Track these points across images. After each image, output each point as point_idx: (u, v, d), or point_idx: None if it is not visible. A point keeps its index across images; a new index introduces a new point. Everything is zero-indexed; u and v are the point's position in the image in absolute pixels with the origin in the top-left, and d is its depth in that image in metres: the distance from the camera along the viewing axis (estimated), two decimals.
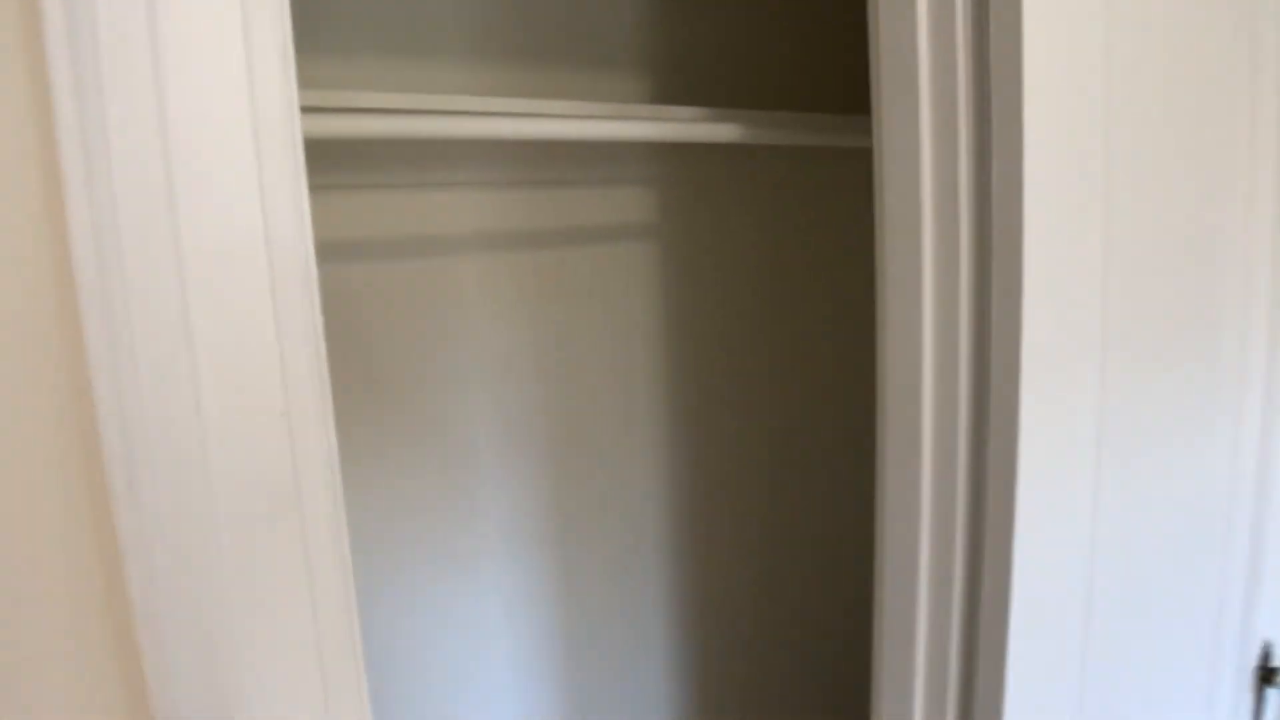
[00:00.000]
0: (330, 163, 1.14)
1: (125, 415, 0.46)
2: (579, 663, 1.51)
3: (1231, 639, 1.00)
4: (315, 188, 1.12)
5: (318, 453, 0.50)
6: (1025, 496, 0.73)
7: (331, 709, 0.55)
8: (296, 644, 0.53)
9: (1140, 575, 0.88)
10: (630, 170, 1.43)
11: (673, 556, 1.59)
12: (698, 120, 1.22)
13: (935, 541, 0.82)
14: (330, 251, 1.18)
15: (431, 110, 1.01)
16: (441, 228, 1.28)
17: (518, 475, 1.39)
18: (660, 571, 1.58)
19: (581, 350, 1.43)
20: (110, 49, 0.37)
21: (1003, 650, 0.77)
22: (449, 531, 1.34)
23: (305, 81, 1.11)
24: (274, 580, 0.52)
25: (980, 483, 0.77)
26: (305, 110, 0.91)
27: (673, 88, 1.44)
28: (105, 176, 0.39)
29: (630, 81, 1.40)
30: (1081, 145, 0.72)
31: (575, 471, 1.45)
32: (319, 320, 0.50)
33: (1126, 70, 0.74)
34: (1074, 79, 0.71)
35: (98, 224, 0.41)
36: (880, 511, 0.86)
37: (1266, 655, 1.04)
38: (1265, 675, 1.03)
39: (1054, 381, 0.75)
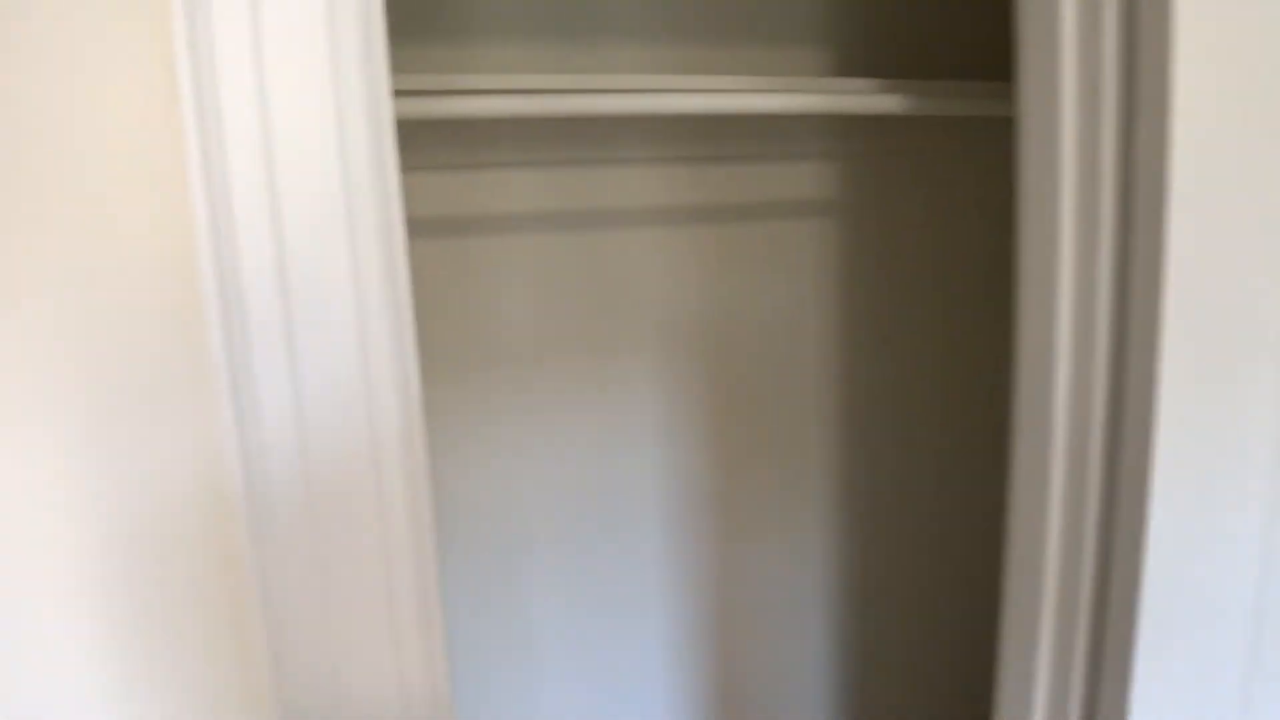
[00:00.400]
0: (532, 140, 1.24)
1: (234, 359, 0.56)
2: (734, 647, 1.54)
3: None
4: (509, 164, 1.22)
5: (395, 423, 0.58)
6: (1161, 508, 0.67)
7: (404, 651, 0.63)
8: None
9: None
10: (806, 145, 1.41)
11: (834, 545, 1.57)
12: (865, 92, 1.18)
13: (1064, 546, 0.76)
14: (515, 223, 1.29)
15: (607, 89, 1.08)
16: (615, 202, 1.34)
17: (677, 450, 1.43)
18: (820, 560, 1.56)
19: (749, 326, 1.44)
20: (222, 24, 0.46)
21: (1129, 668, 0.70)
22: (604, 506, 1.41)
23: (492, 65, 1.22)
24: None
25: (1114, 486, 0.71)
26: (485, 93, 1.01)
27: (849, 61, 1.40)
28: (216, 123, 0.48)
29: (805, 56, 1.38)
30: (1240, 108, 0.63)
31: (736, 449, 1.47)
32: (401, 264, 0.56)
33: None
34: (1227, 42, 0.61)
35: (210, 173, 0.51)
36: (1009, 512, 0.82)
37: None
38: None
39: (1212, 381, 0.67)
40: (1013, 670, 0.84)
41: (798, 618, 1.58)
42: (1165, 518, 0.67)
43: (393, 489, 0.62)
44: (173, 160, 0.49)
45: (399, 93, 0.96)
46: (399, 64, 1.17)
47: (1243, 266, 0.66)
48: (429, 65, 1.20)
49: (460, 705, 1.40)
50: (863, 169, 1.44)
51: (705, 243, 1.39)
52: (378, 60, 0.55)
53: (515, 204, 1.28)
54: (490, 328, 1.30)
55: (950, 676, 1.70)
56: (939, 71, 1.42)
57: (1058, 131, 0.69)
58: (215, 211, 0.49)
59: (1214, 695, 0.75)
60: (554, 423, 1.36)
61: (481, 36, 1.22)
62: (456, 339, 1.29)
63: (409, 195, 1.22)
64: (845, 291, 1.48)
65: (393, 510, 0.62)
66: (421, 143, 1.19)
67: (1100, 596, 0.74)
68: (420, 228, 1.24)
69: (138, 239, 0.51)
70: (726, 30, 1.33)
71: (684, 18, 1.30)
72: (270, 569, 0.58)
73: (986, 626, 1.69)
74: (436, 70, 1.20)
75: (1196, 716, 0.73)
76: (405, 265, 0.59)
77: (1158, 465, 0.66)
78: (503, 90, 1.00)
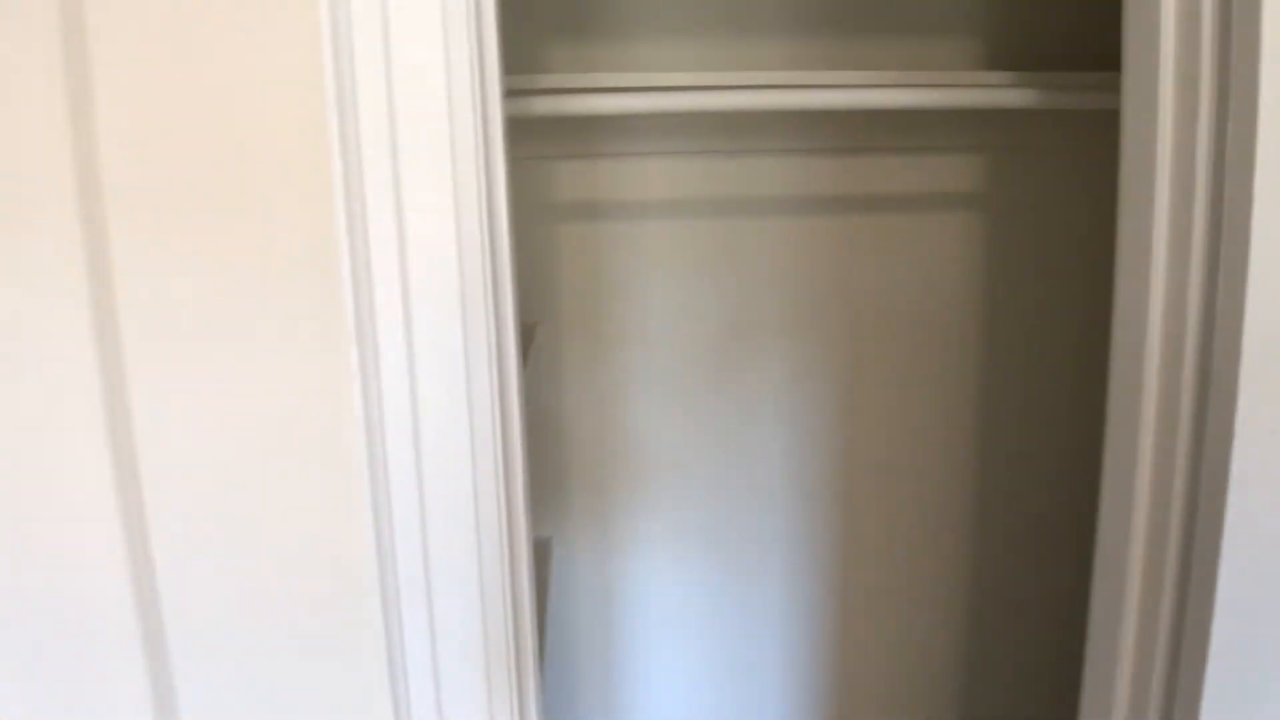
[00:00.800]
0: (673, 131, 1.34)
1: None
2: (851, 630, 1.57)
3: None
4: (651, 153, 1.31)
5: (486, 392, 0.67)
6: (1237, 503, 0.66)
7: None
8: None
9: None
10: (949, 138, 1.40)
11: (962, 537, 1.55)
12: (1003, 85, 1.18)
13: (1149, 545, 0.76)
14: (655, 208, 1.39)
15: (736, 86, 1.15)
16: (754, 190, 1.41)
17: (805, 434, 1.48)
18: (945, 553, 1.56)
19: (883, 315, 1.45)
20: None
21: (1203, 663, 0.70)
22: (729, 484, 1.48)
23: (646, 62, 1.31)
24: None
25: (1196, 477, 0.71)
26: (622, 90, 1.12)
27: (998, 53, 1.38)
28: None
29: (953, 49, 1.38)
30: None
31: (865, 437, 1.50)
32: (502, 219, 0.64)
33: None
34: None
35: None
36: (1100, 506, 0.82)
37: None
38: None
39: None
40: (1096, 670, 0.84)
41: (918, 608, 1.58)
42: (1241, 511, 0.66)
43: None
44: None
45: (547, 91, 1.09)
46: (558, 63, 1.31)
47: None
48: (586, 63, 1.32)
49: (576, 672, 1.53)
50: (1007, 162, 1.42)
51: (843, 233, 1.42)
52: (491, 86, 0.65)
53: (655, 191, 1.38)
54: (625, 306, 1.41)
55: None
56: (1089, 64, 1.37)
57: (1155, 125, 0.70)
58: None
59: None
60: (682, 399, 1.45)
61: (637, 35, 1.33)
62: (592, 315, 1.41)
63: (556, 181, 1.36)
64: (984, 286, 1.46)
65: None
66: (566, 133, 1.32)
67: (1181, 596, 0.73)
68: (565, 212, 1.37)
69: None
70: (871, 24, 1.36)
71: (828, 13, 1.34)
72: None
73: None
74: (591, 68, 1.31)
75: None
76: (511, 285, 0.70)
77: (1235, 457, 0.65)
78: (639, 88, 1.10)
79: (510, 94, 1.08)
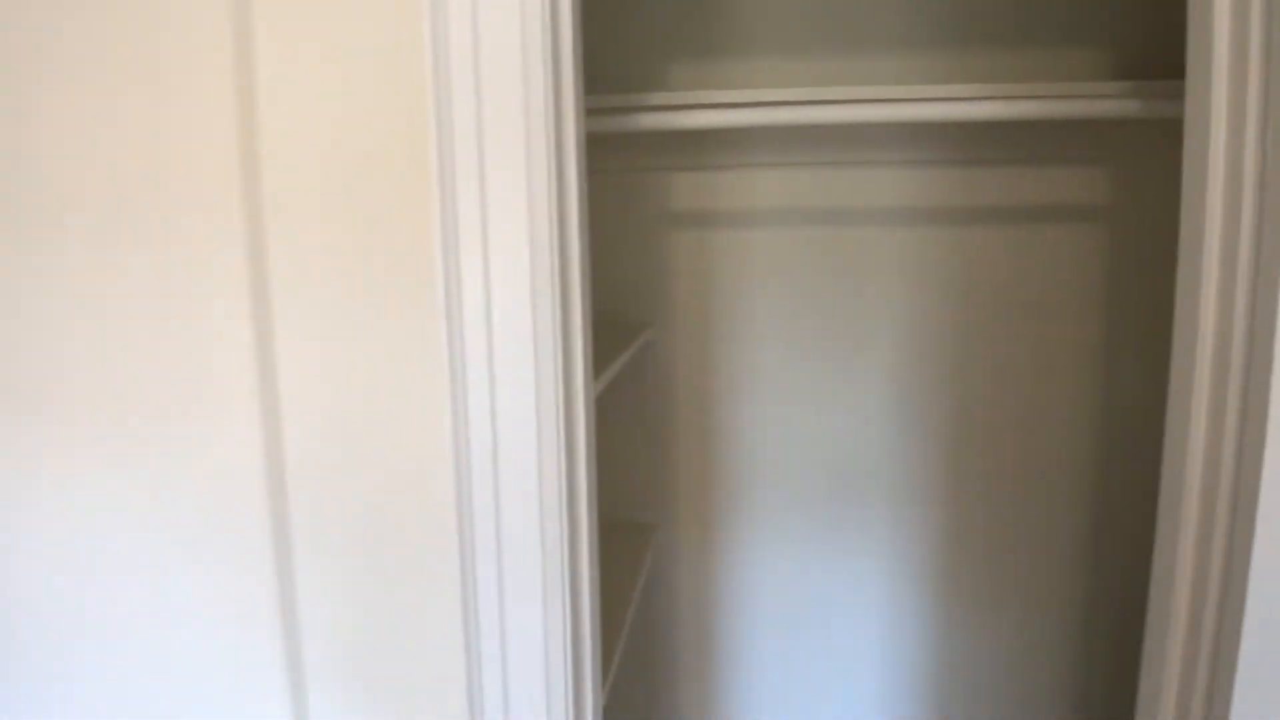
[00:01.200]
0: (783, 143, 1.42)
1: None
2: (957, 652, 1.56)
3: None
4: (761, 164, 1.39)
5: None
6: (1267, 513, 0.65)
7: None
8: None
9: None
10: (1068, 148, 1.38)
11: (1074, 543, 1.50)
12: (1117, 96, 1.16)
13: (1195, 552, 0.76)
14: (764, 217, 1.46)
15: (849, 100, 1.21)
16: (864, 201, 1.45)
17: (906, 444, 1.50)
18: (1062, 569, 1.51)
19: (992, 325, 1.45)
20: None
21: (1233, 667, 0.69)
22: (832, 482, 1.52)
23: (750, 80, 1.40)
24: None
25: (1238, 490, 0.70)
26: (728, 106, 1.21)
27: (1120, 62, 1.34)
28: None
29: (1075, 58, 1.35)
30: None
31: (969, 450, 1.49)
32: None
33: None
34: None
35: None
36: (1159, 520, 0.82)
37: None
38: None
39: None
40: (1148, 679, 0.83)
41: (1029, 611, 1.54)
42: (1270, 521, 0.65)
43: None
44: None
45: (656, 108, 1.20)
46: (679, 81, 1.42)
47: None
48: (706, 81, 1.42)
49: (675, 661, 1.62)
50: (1129, 174, 1.37)
51: (957, 244, 1.43)
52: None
53: (768, 200, 1.45)
54: (735, 309, 1.49)
55: None
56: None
57: (1209, 136, 0.70)
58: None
59: None
60: (789, 400, 1.51)
61: (755, 53, 1.42)
62: (704, 317, 1.50)
63: (674, 191, 1.47)
64: (1103, 299, 1.41)
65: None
66: (683, 147, 1.42)
67: (1225, 598, 0.73)
68: (682, 220, 1.47)
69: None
70: (991, 36, 1.36)
71: (945, 26, 1.36)
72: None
73: None
74: (710, 85, 1.41)
75: None
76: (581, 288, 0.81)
77: (1266, 465, 0.65)
78: (742, 104, 1.18)
79: (614, 111, 1.20)
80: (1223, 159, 0.69)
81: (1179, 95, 1.14)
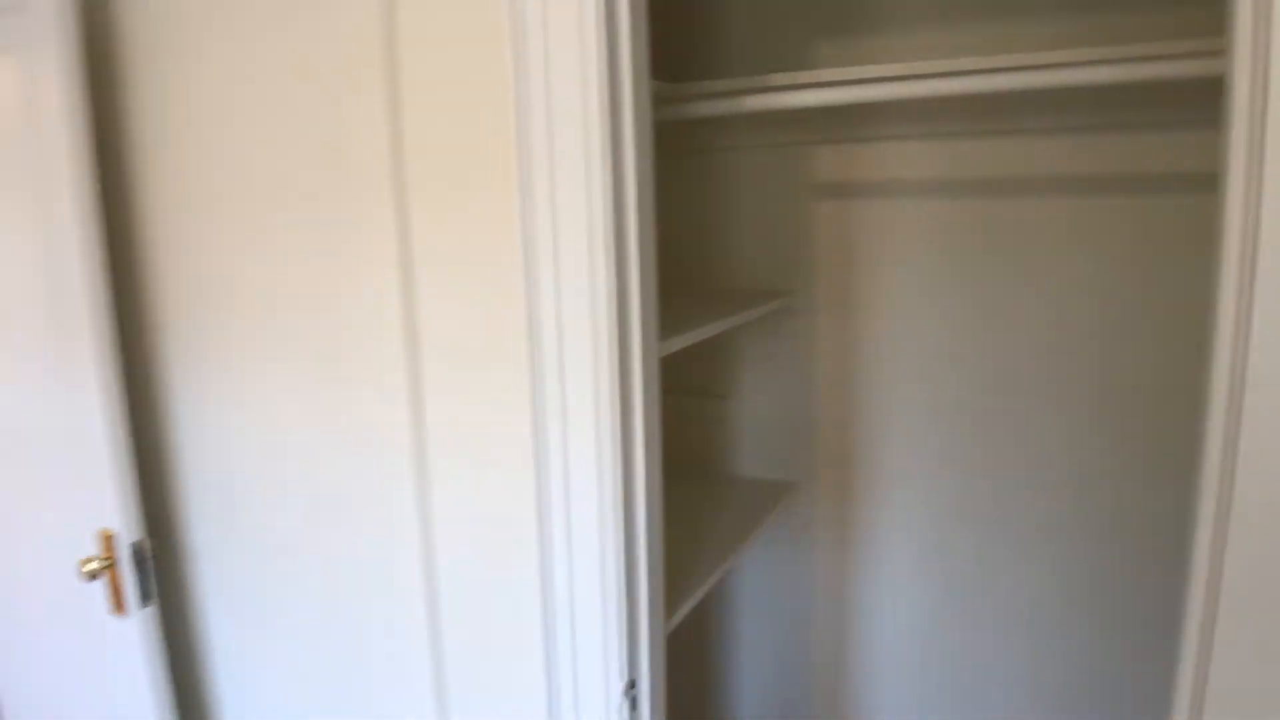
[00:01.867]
0: (930, 114, 1.41)
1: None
2: (1090, 654, 1.48)
3: None
4: (908, 136, 1.41)
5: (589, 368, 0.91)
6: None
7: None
8: None
9: None
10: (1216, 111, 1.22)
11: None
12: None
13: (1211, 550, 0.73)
14: (910, 188, 1.47)
15: (993, 69, 1.20)
16: (1011, 171, 1.39)
17: (1044, 429, 1.43)
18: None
19: (1140, 300, 1.34)
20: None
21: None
22: (972, 456, 1.49)
23: (890, 54, 1.40)
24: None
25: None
26: (857, 82, 1.24)
27: None
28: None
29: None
30: None
31: (1110, 421, 1.39)
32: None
33: None
34: None
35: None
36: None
37: None
38: None
39: None
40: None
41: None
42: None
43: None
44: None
45: (799, 86, 1.25)
46: (826, 58, 1.46)
47: None
48: (851, 57, 1.45)
49: (806, 646, 1.70)
50: None
51: (1104, 213, 1.34)
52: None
53: (908, 171, 1.45)
54: (875, 280, 1.51)
55: None
56: None
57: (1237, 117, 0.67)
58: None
59: None
60: (926, 375, 1.51)
61: (894, 27, 1.42)
62: (843, 287, 1.54)
63: (816, 164, 1.52)
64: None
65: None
66: (825, 121, 1.47)
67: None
68: (822, 191, 1.52)
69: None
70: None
71: None
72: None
73: None
74: (854, 61, 1.44)
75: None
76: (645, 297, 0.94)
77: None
78: (874, 79, 1.21)
79: (736, 94, 1.28)
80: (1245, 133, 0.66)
81: None
